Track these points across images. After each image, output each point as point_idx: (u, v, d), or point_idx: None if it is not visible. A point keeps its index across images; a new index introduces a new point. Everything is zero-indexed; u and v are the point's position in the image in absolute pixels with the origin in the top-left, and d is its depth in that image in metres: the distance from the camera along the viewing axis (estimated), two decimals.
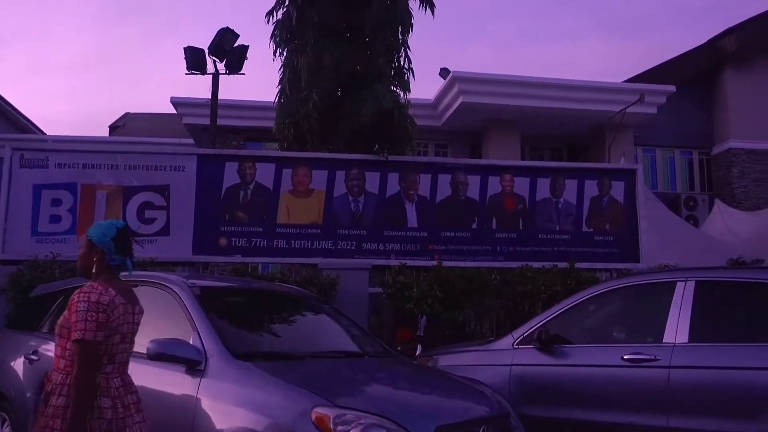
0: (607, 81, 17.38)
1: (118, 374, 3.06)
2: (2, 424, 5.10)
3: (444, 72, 17.19)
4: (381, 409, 3.50)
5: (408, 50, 10.20)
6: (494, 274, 8.47)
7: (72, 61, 68.69)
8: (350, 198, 8.79)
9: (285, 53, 10.14)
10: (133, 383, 3.17)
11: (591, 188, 9.27)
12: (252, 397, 3.62)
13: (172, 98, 16.64)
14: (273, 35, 10.10)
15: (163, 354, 3.93)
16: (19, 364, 5.15)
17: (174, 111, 17.27)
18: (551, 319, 5.23)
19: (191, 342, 4.03)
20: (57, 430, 2.85)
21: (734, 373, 4.29)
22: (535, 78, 16.32)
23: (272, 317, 5.08)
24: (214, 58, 13.15)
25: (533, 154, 18.11)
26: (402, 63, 10.17)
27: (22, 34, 69.96)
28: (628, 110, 15.55)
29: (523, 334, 5.27)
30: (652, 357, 4.54)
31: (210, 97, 13.44)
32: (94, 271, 3.12)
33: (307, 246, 8.58)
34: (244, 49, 13.23)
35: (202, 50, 13.15)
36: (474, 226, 8.99)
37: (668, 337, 4.56)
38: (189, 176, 8.50)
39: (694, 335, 4.49)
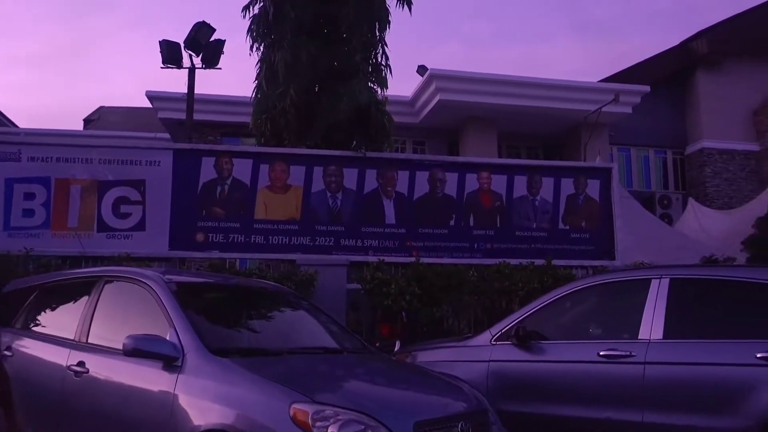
0: (582, 81, 17.55)
1: None
2: None
3: (421, 69, 17.23)
4: (359, 404, 3.50)
5: (385, 47, 10.19)
6: (472, 271, 8.51)
7: (44, 53, 67.62)
8: (328, 194, 8.77)
9: (262, 48, 10.06)
10: None
11: (567, 186, 9.35)
12: (230, 394, 3.60)
13: (147, 92, 16.47)
14: (249, 30, 10.02)
15: (140, 350, 3.90)
16: None
17: (149, 105, 17.09)
18: (528, 315, 5.27)
19: (168, 338, 3.99)
20: None
21: (707, 369, 4.35)
22: (512, 76, 16.44)
23: (250, 313, 5.05)
24: (190, 52, 13.06)
25: (510, 152, 18.23)
26: (379, 59, 10.16)
27: None
28: (603, 110, 15.73)
29: (501, 330, 5.30)
30: (628, 353, 4.59)
31: (186, 91, 13.33)
32: None
33: (285, 242, 8.55)
34: (221, 43, 13.14)
35: (178, 44, 13.04)
36: (452, 223, 9.02)
37: (643, 334, 4.62)
38: (165, 171, 8.41)
39: (669, 332, 4.55)
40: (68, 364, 4.42)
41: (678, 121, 19.02)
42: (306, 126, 9.71)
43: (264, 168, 8.65)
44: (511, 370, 5.11)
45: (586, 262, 9.14)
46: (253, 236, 8.50)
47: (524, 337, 5.06)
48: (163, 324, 4.12)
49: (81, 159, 8.31)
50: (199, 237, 8.37)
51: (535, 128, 17.45)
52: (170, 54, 13.02)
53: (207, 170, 8.52)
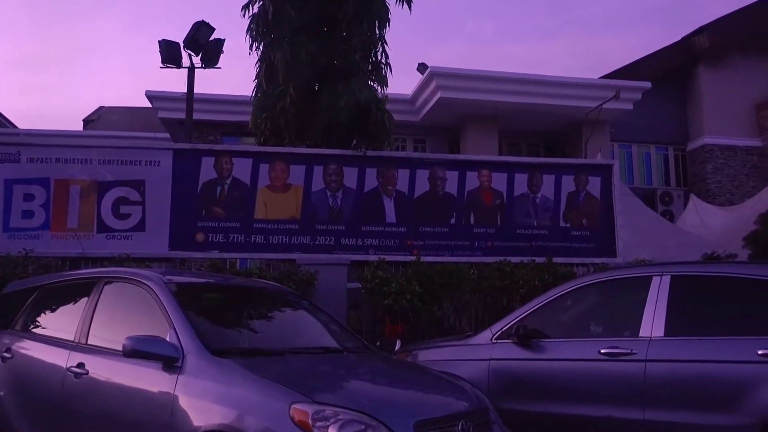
0: (583, 77, 17.52)
1: None
2: None
3: (422, 67, 17.19)
4: (360, 404, 3.48)
5: (385, 45, 10.18)
6: (472, 269, 8.50)
7: (44, 54, 67.64)
8: (328, 193, 8.76)
9: (261, 47, 10.05)
10: None
11: (568, 183, 9.34)
12: (230, 394, 3.59)
13: (147, 92, 16.44)
14: (249, 29, 10.01)
15: (140, 351, 3.89)
16: None
17: (149, 105, 17.07)
18: (529, 313, 5.26)
19: (168, 339, 3.98)
20: None
21: (709, 367, 4.34)
22: (513, 74, 16.40)
23: (250, 313, 5.04)
24: (189, 51, 13.01)
25: (511, 150, 18.19)
26: (379, 58, 10.15)
27: None
28: (604, 106, 15.69)
29: (502, 328, 5.29)
30: (629, 351, 4.58)
31: (185, 90, 13.30)
32: None
33: (285, 241, 8.55)
34: (220, 42, 13.10)
35: (178, 44, 13.00)
36: (452, 221, 9.01)
37: (644, 331, 4.61)
38: (165, 171, 8.41)
39: (670, 329, 4.53)
40: (68, 366, 4.41)
41: (679, 117, 18.98)
42: (306, 125, 9.70)
43: (264, 167, 8.65)
44: (511, 369, 5.10)
45: (587, 260, 9.13)
46: (253, 236, 8.50)
47: (525, 336, 5.05)
48: (163, 325, 4.11)
49: (80, 159, 8.31)
50: (199, 237, 8.37)
51: (536, 125, 17.42)
52: (170, 54, 12.98)
53: (207, 170, 8.51)
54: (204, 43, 12.89)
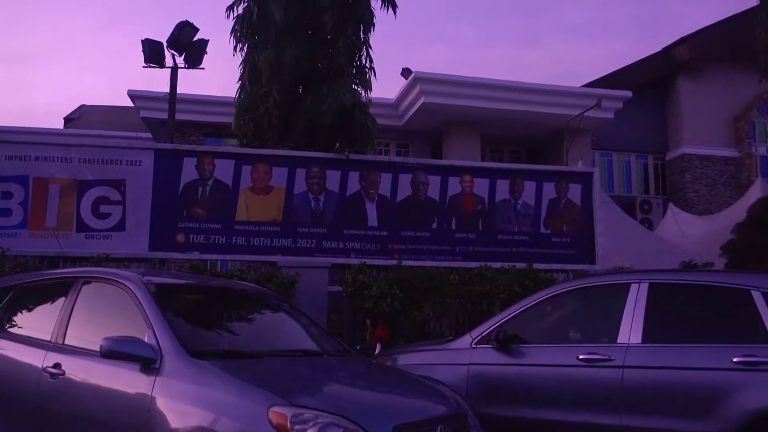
0: (565, 85, 17.66)
1: None
2: None
3: (406, 72, 17.25)
4: (339, 408, 3.48)
5: (369, 49, 10.20)
6: (453, 274, 8.53)
7: (25, 51, 66.87)
8: (310, 196, 8.75)
9: (246, 49, 10.03)
10: None
11: (549, 190, 9.41)
12: (208, 396, 3.56)
13: (129, 91, 16.34)
14: (233, 30, 9.99)
15: (117, 352, 3.84)
16: None
17: (131, 104, 16.95)
18: (509, 319, 5.28)
19: (146, 340, 3.95)
20: None
21: (685, 374, 4.39)
22: (496, 80, 16.51)
23: (230, 315, 5.00)
24: (172, 51, 12.94)
25: (493, 156, 18.30)
26: (363, 62, 10.16)
27: None
28: (585, 114, 15.84)
29: (481, 333, 5.31)
30: (607, 357, 4.62)
31: (168, 90, 13.23)
32: None
33: (267, 243, 8.52)
34: (204, 43, 13.05)
35: (161, 43, 12.93)
36: (434, 226, 9.04)
37: (622, 338, 4.65)
38: (146, 171, 8.35)
39: (648, 336, 4.58)
40: (44, 366, 4.35)
41: (659, 127, 19.21)
42: (289, 127, 9.68)
43: (246, 169, 8.62)
44: (491, 374, 5.11)
45: (566, 266, 9.20)
46: (234, 237, 8.46)
47: (504, 341, 5.07)
48: (142, 326, 4.08)
49: (60, 158, 8.23)
50: (180, 238, 8.32)
51: (519, 132, 17.54)
52: (153, 53, 12.90)
53: (188, 171, 8.47)
54: (187, 44, 12.83)
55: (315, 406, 3.45)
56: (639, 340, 4.58)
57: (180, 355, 3.84)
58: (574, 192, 9.50)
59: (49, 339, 4.54)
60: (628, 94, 16.92)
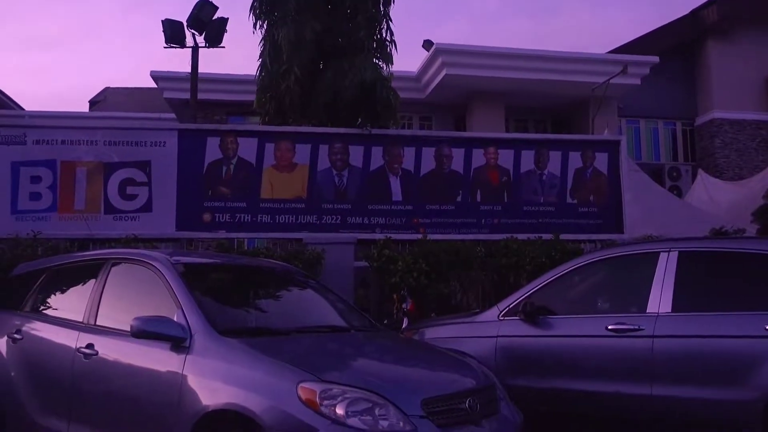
0: (590, 52, 17.34)
1: None
2: None
3: (427, 44, 17.04)
4: (367, 383, 3.50)
5: (390, 22, 10.07)
6: (479, 247, 8.49)
7: (50, 36, 67.43)
8: (334, 172, 8.74)
9: (265, 26, 9.98)
10: None
11: (575, 160, 9.28)
12: (238, 374, 3.61)
13: (152, 72, 16.38)
14: (252, 7, 9.93)
15: (147, 331, 3.91)
16: (2, 344, 5.10)
17: (154, 85, 17.02)
18: (536, 290, 5.26)
19: (175, 319, 4.00)
20: None
21: (716, 342, 4.35)
22: (519, 50, 16.25)
23: (257, 293, 5.05)
24: (193, 31, 12.95)
25: (517, 127, 18.09)
26: (384, 35, 10.04)
27: None
28: (611, 82, 15.55)
29: (509, 305, 5.31)
30: (636, 327, 4.59)
31: (190, 70, 13.25)
32: None
33: (292, 221, 8.55)
34: (224, 21, 13.03)
35: (181, 23, 12.93)
36: (459, 199, 8.98)
37: (652, 307, 4.61)
38: (170, 151, 8.40)
39: (677, 305, 4.54)
40: (78, 347, 4.44)
41: (688, 92, 18.79)
42: (310, 104, 9.64)
43: (269, 147, 8.62)
44: (519, 346, 5.11)
45: (594, 236, 9.09)
46: (259, 215, 8.50)
47: (532, 313, 5.06)
48: (171, 305, 4.13)
49: (86, 141, 8.30)
50: (206, 217, 8.38)
51: (543, 102, 17.29)
52: (173, 33, 12.91)
53: (212, 150, 8.50)
54: (207, 22, 12.82)
55: (343, 381, 3.48)
56: (669, 309, 4.54)
57: (209, 334, 3.89)
58: (601, 161, 9.36)
59: (81, 320, 4.63)
60: (655, 59, 16.54)
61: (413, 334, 5.86)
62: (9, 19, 67.78)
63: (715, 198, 14.13)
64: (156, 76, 16.46)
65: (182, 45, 12.99)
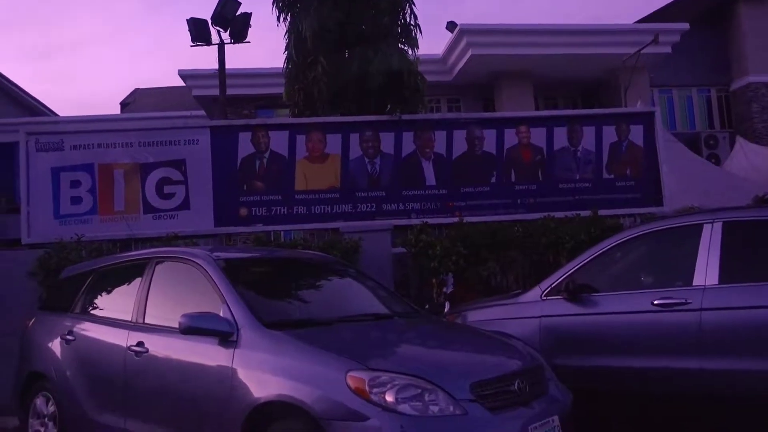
0: (618, 23, 17.02)
1: None
2: (47, 403, 5.22)
3: (451, 26, 16.93)
4: (414, 369, 3.51)
5: (413, 6, 10.01)
6: (516, 227, 8.42)
7: (76, 40, 68.42)
8: (366, 160, 8.74)
9: (289, 18, 9.99)
10: None
11: (609, 134, 9.13)
12: (287, 365, 3.65)
13: (179, 71, 16.59)
14: (275, 0, 9.95)
15: (195, 328, 3.98)
16: (56, 345, 5.26)
17: (183, 83, 17.21)
18: (578, 268, 5.21)
19: (221, 314, 4.07)
20: None
21: (765, 312, 4.26)
22: (545, 25, 16.06)
23: (298, 284, 5.09)
24: (217, 28, 13.04)
25: (547, 104, 17.89)
26: (408, 20, 9.99)
27: (18, 18, 69.64)
28: (642, 51, 15.25)
29: (551, 285, 5.27)
30: (683, 300, 4.52)
31: (217, 67, 13.36)
32: None
33: (327, 211, 8.58)
34: (247, 16, 13.10)
35: (205, 21, 13.04)
36: (493, 180, 8.92)
37: (698, 280, 4.54)
38: (204, 149, 8.48)
39: (724, 277, 4.46)
40: (128, 345, 4.54)
41: (720, 57, 18.35)
42: (339, 93, 9.65)
43: (300, 139, 8.65)
44: (563, 325, 5.08)
45: (633, 211, 8.95)
46: (295, 207, 8.55)
47: (575, 291, 5.02)
48: (216, 301, 4.20)
49: (121, 143, 8.43)
50: (243, 212, 8.46)
51: (572, 77, 17.04)
52: (198, 31, 13.04)
53: (244, 145, 8.56)
54: (231, 18, 12.90)
55: (391, 368, 3.50)
56: (716, 282, 4.47)
57: (255, 327, 3.95)
58: (636, 133, 9.19)
59: (129, 319, 4.73)
60: (686, 26, 16.17)
61: (455, 318, 5.85)
62: (34, 25, 68.96)
63: (756, 164, 13.82)
64: (184, 74, 16.65)
65: (208, 43, 13.11)
